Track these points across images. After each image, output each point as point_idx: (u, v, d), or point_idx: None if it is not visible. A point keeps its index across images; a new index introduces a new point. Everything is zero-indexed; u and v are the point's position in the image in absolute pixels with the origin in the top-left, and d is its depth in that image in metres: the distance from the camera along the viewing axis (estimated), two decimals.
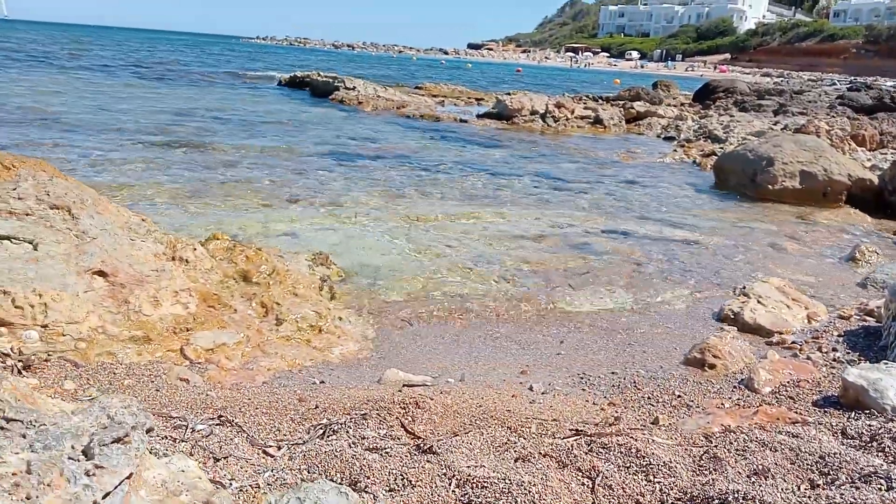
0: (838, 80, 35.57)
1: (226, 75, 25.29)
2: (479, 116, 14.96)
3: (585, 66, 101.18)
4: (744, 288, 4.53)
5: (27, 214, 3.26)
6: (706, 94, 20.25)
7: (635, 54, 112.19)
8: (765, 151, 8.20)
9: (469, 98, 20.18)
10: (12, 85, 15.25)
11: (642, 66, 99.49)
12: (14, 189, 3.38)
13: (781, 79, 59.29)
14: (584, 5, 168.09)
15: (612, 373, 3.16)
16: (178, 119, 11.68)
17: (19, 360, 2.49)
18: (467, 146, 11.04)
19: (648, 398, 2.84)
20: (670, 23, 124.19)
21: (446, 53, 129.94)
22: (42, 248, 3.09)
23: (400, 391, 2.77)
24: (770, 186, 7.81)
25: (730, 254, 5.66)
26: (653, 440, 2.14)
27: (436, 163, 9.25)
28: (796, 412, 2.61)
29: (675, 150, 11.23)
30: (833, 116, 14.30)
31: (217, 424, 2.18)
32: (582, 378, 3.08)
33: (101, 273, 3.05)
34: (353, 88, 16.77)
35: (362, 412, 2.33)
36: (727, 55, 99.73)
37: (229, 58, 44.13)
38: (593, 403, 2.74)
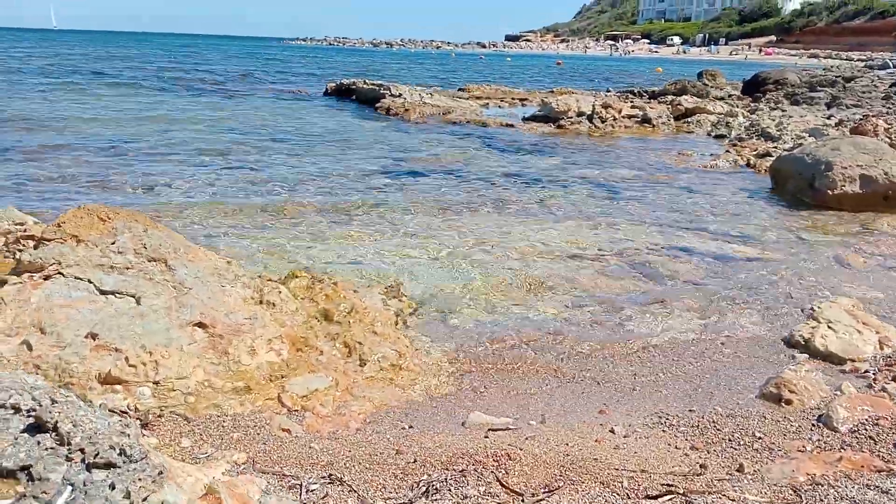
0: (891, 61, 34.37)
1: (273, 85, 25.75)
2: (525, 119, 15.00)
3: (626, 53, 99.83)
4: (812, 310, 4.54)
5: (128, 268, 3.49)
6: (755, 87, 19.89)
7: (677, 39, 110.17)
8: (823, 155, 8.09)
9: (513, 99, 20.21)
10: (72, 104, 15.84)
11: (684, 52, 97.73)
12: (113, 243, 3.61)
13: (829, 60, 57.63)
14: None
15: (690, 410, 3.23)
16: (233, 137, 12.00)
17: (138, 419, 2.69)
18: (517, 154, 11.11)
19: (729, 440, 2.91)
20: (712, 6, 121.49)
21: (484, 47, 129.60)
22: (145, 302, 3.30)
23: (486, 437, 2.90)
24: (829, 192, 7.71)
25: (793, 269, 5.63)
26: (745, 498, 2.23)
27: (488, 174, 9.35)
28: (880, 457, 2.66)
29: (728, 151, 11.11)
30: (890, 108, 13.94)
31: (329, 483, 2.34)
32: (660, 417, 3.16)
33: (201, 325, 3.26)
34: (400, 95, 16.95)
35: (459, 468, 2.47)
36: (772, 37, 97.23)
37: (275, 64, 44.81)
38: (676, 447, 2.83)
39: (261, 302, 3.75)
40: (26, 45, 57.47)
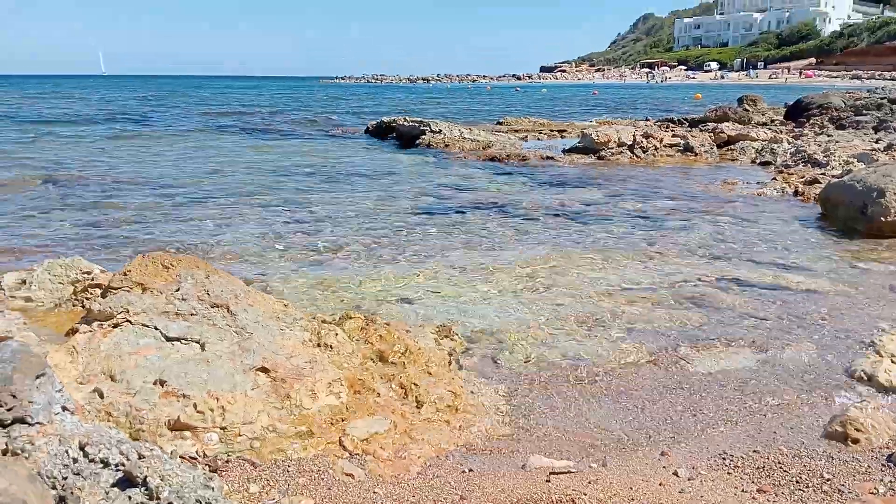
0: None
1: (313, 124, 26.33)
2: (565, 152, 15.02)
3: (663, 80, 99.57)
4: (873, 343, 4.43)
5: (192, 315, 3.59)
6: (799, 111, 19.63)
7: (714, 65, 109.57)
8: (874, 181, 7.93)
9: (551, 131, 20.28)
10: (115, 149, 16.41)
11: (722, 77, 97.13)
12: (177, 290, 3.73)
13: (873, 81, 56.57)
14: (657, 20, 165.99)
15: (754, 451, 3.17)
16: (278, 176, 12.29)
17: (206, 465, 2.76)
18: (560, 187, 11.13)
19: (797, 482, 2.85)
20: (749, 30, 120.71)
21: (519, 79, 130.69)
22: (209, 348, 3.40)
23: (548, 480, 2.89)
24: (883, 219, 7.54)
25: (849, 300, 5.51)
26: None
27: (532, 208, 9.38)
28: None
29: (774, 179, 10.96)
30: None
31: None
32: (724, 458, 3.11)
33: (264, 369, 3.33)
34: (440, 132, 17.16)
35: None
36: (812, 60, 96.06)
37: (315, 103, 45.84)
38: (742, 490, 2.78)
39: (318, 345, 3.82)
40: (84, 92, 59.88)
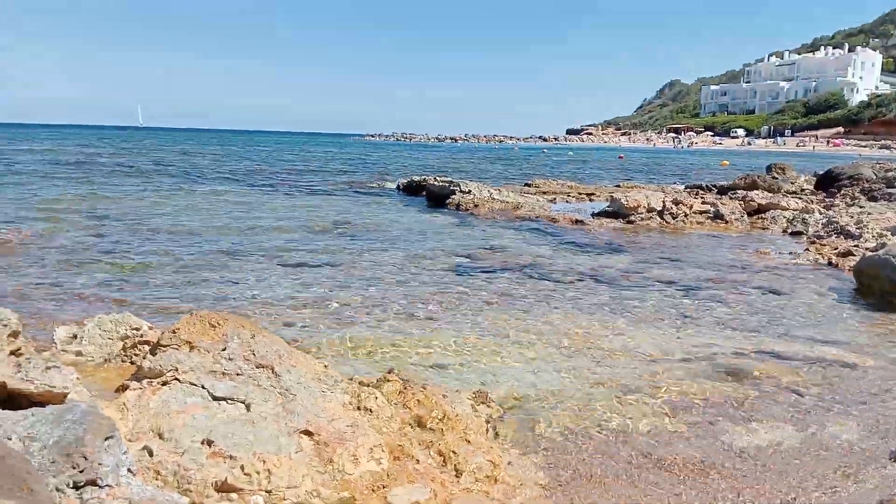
0: None
1: (344, 181, 26.83)
2: (594, 215, 15.11)
3: (689, 146, 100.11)
4: None
5: (238, 374, 3.66)
6: (829, 181, 19.61)
7: (741, 132, 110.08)
8: None
9: (580, 193, 20.43)
10: (149, 203, 16.81)
11: (749, 144, 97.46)
12: (224, 350, 3.80)
13: None
14: (683, 86, 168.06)
15: None
16: (307, 234, 12.49)
17: None
18: (589, 251, 11.18)
19: None
20: (776, 99, 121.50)
21: (545, 140, 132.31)
22: (254, 409, 3.45)
23: None
24: None
25: (891, 376, 5.43)
26: None
27: (561, 272, 9.41)
28: None
29: (807, 249, 10.91)
30: None
31: None
32: None
33: (308, 432, 3.37)
34: (469, 192, 17.39)
35: None
36: (839, 129, 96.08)
37: (344, 159, 46.76)
38: None
39: (359, 408, 3.85)
40: (126, 143, 61.78)
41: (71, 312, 6.71)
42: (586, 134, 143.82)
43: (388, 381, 4.45)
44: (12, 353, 3.42)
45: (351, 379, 4.43)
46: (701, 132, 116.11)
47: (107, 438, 1.97)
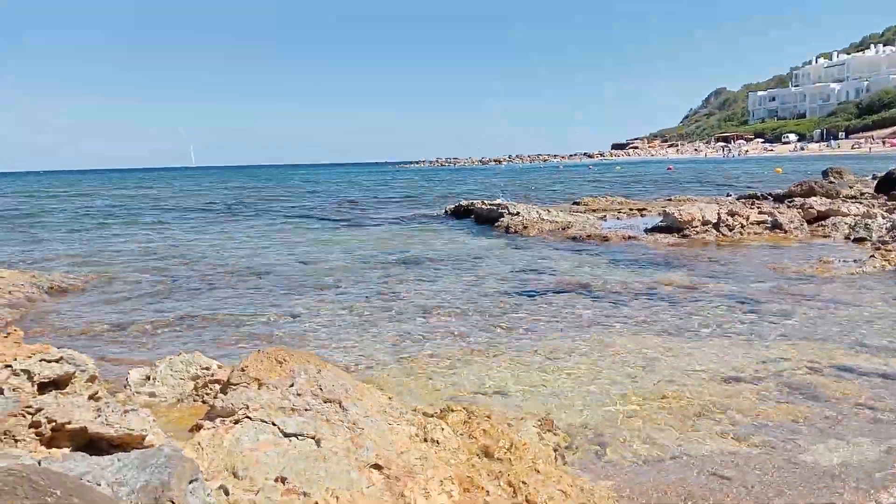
0: None
1: (391, 208, 27.13)
2: (647, 231, 14.90)
3: (739, 154, 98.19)
4: None
5: (306, 410, 3.70)
6: (890, 184, 18.91)
7: (792, 137, 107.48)
8: None
9: (630, 209, 20.19)
10: (202, 242, 17.24)
11: (802, 149, 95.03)
12: (291, 386, 3.86)
13: None
14: (730, 94, 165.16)
15: None
16: (361, 264, 12.62)
17: None
18: (644, 268, 11.01)
19: None
20: (827, 101, 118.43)
21: (590, 156, 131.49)
22: (324, 444, 3.48)
23: None
24: None
25: None
26: None
27: (618, 291, 9.28)
28: None
29: (873, 256, 10.52)
30: None
31: None
32: None
33: (377, 466, 3.38)
34: (517, 213, 17.36)
35: None
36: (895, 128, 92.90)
37: (391, 187, 47.29)
38: None
39: (425, 439, 3.85)
40: (180, 182, 63.83)
41: (139, 353, 6.92)
42: (632, 148, 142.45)
43: (452, 410, 4.44)
44: (91, 397, 3.55)
45: (414, 410, 4.43)
46: (751, 139, 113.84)
47: (191, 482, 2.02)
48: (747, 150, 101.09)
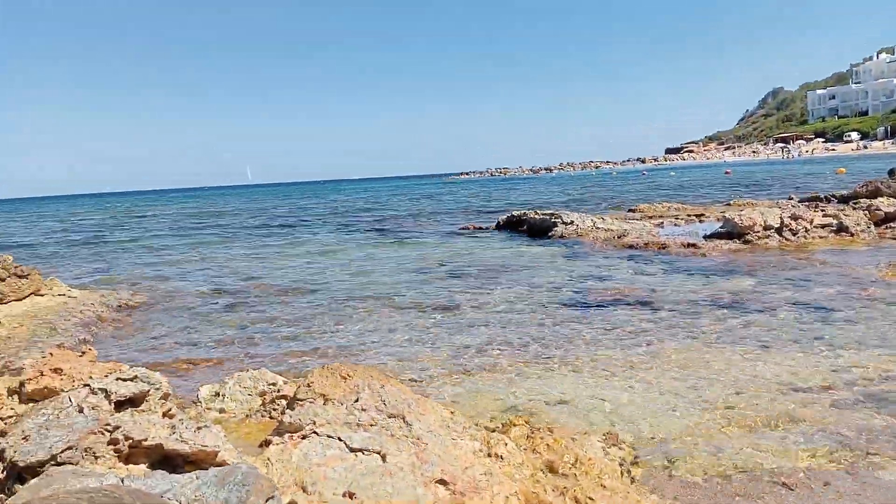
0: None
1: (443, 221, 27.24)
2: (707, 237, 14.57)
3: (800, 155, 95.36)
4: None
5: (371, 425, 3.74)
6: None
7: (855, 135, 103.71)
8: None
9: (688, 215, 19.79)
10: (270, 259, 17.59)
11: (865, 147, 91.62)
12: (356, 401, 3.91)
13: None
14: (787, 93, 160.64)
15: None
16: (415, 277, 12.70)
17: None
18: (706, 276, 10.77)
19: None
20: (890, 97, 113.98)
21: (644, 162, 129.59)
22: (390, 459, 3.50)
23: None
24: None
25: None
26: None
27: (679, 300, 9.10)
28: None
29: None
30: None
31: None
32: None
33: (443, 482, 3.38)
34: (571, 223, 17.22)
35: None
36: None
37: (441, 199, 47.51)
38: None
39: (489, 454, 3.84)
40: (239, 201, 65.51)
41: (204, 369, 7.11)
42: (687, 152, 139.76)
43: (515, 424, 4.43)
44: (165, 414, 3.66)
45: (476, 424, 4.43)
46: (811, 139, 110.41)
47: (268, 499, 2.06)
48: (808, 151, 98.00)
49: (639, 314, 8.54)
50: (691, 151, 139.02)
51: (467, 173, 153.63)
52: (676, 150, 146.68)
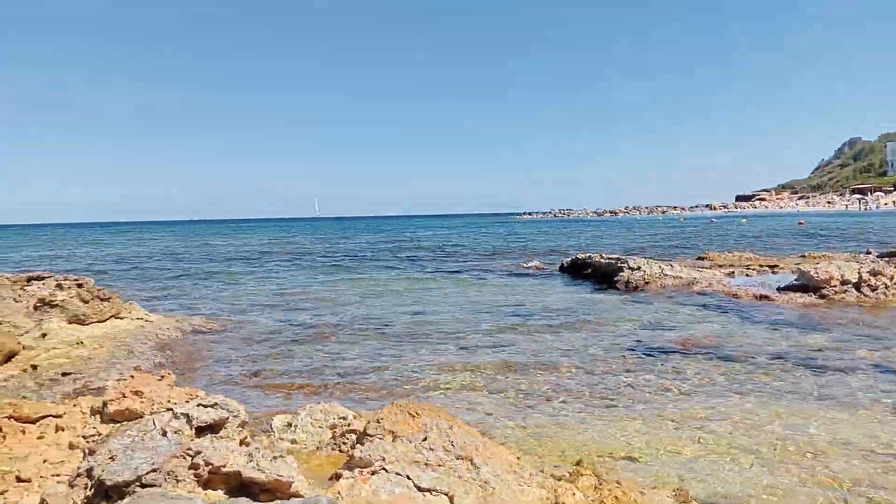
0: None
1: (505, 261, 27.23)
2: (780, 290, 14.12)
3: (878, 207, 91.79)
4: None
5: (439, 465, 3.76)
6: None
7: None
8: None
9: (760, 266, 19.22)
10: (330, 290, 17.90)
11: None
12: (424, 440, 3.94)
13: None
14: (865, 143, 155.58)
15: None
16: (476, 316, 12.70)
17: None
18: (779, 330, 10.42)
19: None
20: None
21: (713, 209, 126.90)
22: (457, 501, 3.51)
23: None
24: None
25: None
26: None
27: (751, 354, 8.83)
28: None
29: None
30: None
31: None
32: None
33: None
34: (638, 268, 16.96)
35: None
36: None
37: (503, 239, 47.53)
38: None
39: (556, 503, 3.80)
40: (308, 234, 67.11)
41: (274, 398, 7.27)
42: (758, 199, 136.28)
43: (582, 474, 4.37)
44: (242, 442, 3.77)
45: (542, 471, 4.39)
46: (890, 192, 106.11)
47: None
48: (886, 203, 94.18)
49: (709, 365, 8.32)
50: (763, 199, 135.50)
51: (530, 213, 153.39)
52: (747, 198, 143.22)
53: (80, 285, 10.87)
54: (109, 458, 3.38)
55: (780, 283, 15.20)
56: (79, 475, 3.42)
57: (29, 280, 11.17)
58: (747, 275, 18.05)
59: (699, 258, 22.04)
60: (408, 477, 3.63)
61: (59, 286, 10.77)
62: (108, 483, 3.15)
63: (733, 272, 18.25)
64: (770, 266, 19.13)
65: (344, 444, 4.28)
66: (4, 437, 4.84)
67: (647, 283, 16.10)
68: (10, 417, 4.88)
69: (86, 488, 3.32)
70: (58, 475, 4.00)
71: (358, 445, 3.88)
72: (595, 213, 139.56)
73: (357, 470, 3.69)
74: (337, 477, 3.68)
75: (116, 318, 10.84)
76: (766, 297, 13.14)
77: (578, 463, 5.20)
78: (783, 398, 6.91)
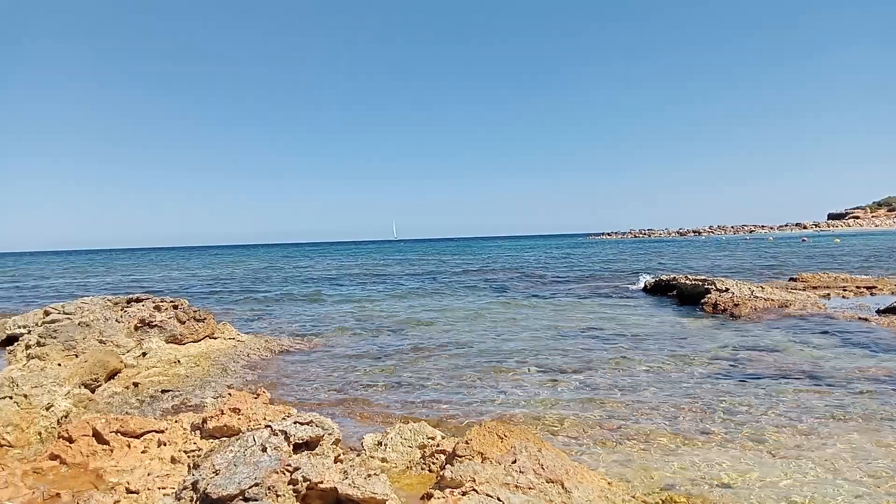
0: None
1: (586, 282, 26.86)
2: (880, 312, 13.38)
3: None
4: None
5: (529, 489, 3.75)
6: None
7: None
8: None
9: (858, 287, 18.27)
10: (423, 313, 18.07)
11: None
12: (514, 462, 3.94)
13: None
14: None
15: None
16: (557, 339, 12.56)
17: None
18: (880, 353, 9.86)
19: None
20: None
21: (803, 227, 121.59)
22: None
23: None
24: None
25: None
26: None
27: (851, 379, 8.39)
28: None
29: None
30: None
31: None
32: None
33: None
34: (726, 290, 16.41)
35: None
36: None
37: (583, 260, 46.93)
38: None
39: None
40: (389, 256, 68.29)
41: (361, 417, 7.41)
42: (852, 218, 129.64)
43: (675, 502, 4.26)
44: (336, 459, 3.87)
45: (633, 496, 4.31)
46: None
47: None
48: None
49: (805, 390, 7.96)
50: (857, 217, 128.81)
51: (609, 233, 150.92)
52: (840, 216, 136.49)
53: (175, 307, 11.43)
54: (213, 472, 3.53)
55: (879, 304, 14.40)
56: (185, 488, 3.59)
57: (129, 302, 11.83)
58: (843, 297, 17.18)
59: (791, 279, 21.15)
60: (499, 499, 3.64)
61: (157, 307, 11.34)
62: (213, 496, 3.29)
63: (829, 294, 17.41)
64: (868, 287, 18.15)
65: (433, 463, 4.32)
66: (112, 451, 5.13)
67: (736, 304, 15.54)
68: (117, 432, 5.18)
69: (191, 501, 3.48)
70: (163, 487, 4.20)
71: (448, 466, 3.92)
72: (678, 232, 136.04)
73: (448, 490, 3.72)
74: (428, 496, 3.73)
75: (211, 338, 11.31)
76: (865, 320, 12.47)
77: (670, 489, 5.07)
78: (885, 426, 6.53)
